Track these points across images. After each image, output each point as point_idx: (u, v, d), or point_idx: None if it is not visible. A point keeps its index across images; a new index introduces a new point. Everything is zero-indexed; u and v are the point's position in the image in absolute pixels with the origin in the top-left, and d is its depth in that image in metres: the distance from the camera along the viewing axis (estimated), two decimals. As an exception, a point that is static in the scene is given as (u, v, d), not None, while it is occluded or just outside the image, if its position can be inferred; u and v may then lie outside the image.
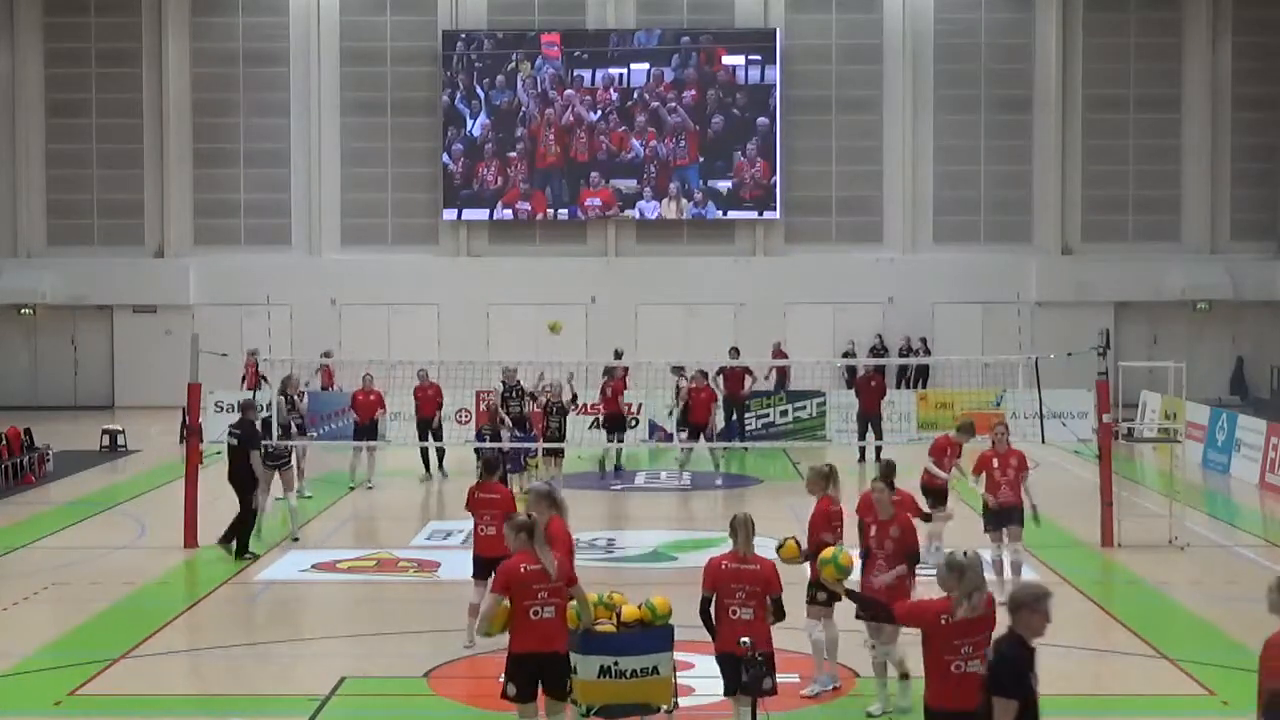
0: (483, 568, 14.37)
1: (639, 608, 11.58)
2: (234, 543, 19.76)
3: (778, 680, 11.31)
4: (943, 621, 9.01)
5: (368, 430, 27.00)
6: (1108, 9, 41.18)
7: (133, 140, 41.55)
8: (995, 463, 17.47)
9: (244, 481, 20.09)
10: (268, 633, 16.15)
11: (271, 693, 13.77)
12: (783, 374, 35.35)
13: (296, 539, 20.86)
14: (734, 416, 31.37)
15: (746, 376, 31.56)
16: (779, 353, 36.98)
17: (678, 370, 29.19)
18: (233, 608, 17.41)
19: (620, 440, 28.68)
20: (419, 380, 27.73)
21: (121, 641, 15.36)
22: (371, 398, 27.12)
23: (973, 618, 8.99)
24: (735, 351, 33.14)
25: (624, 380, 29.14)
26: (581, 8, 41.45)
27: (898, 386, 37.09)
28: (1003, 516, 17.48)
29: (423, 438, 27.63)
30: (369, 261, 41.04)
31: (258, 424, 20.48)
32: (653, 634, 11.48)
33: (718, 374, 31.26)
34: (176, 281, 41.13)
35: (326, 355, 32.53)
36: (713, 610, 11.26)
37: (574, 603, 11.06)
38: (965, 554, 9.22)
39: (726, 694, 11.37)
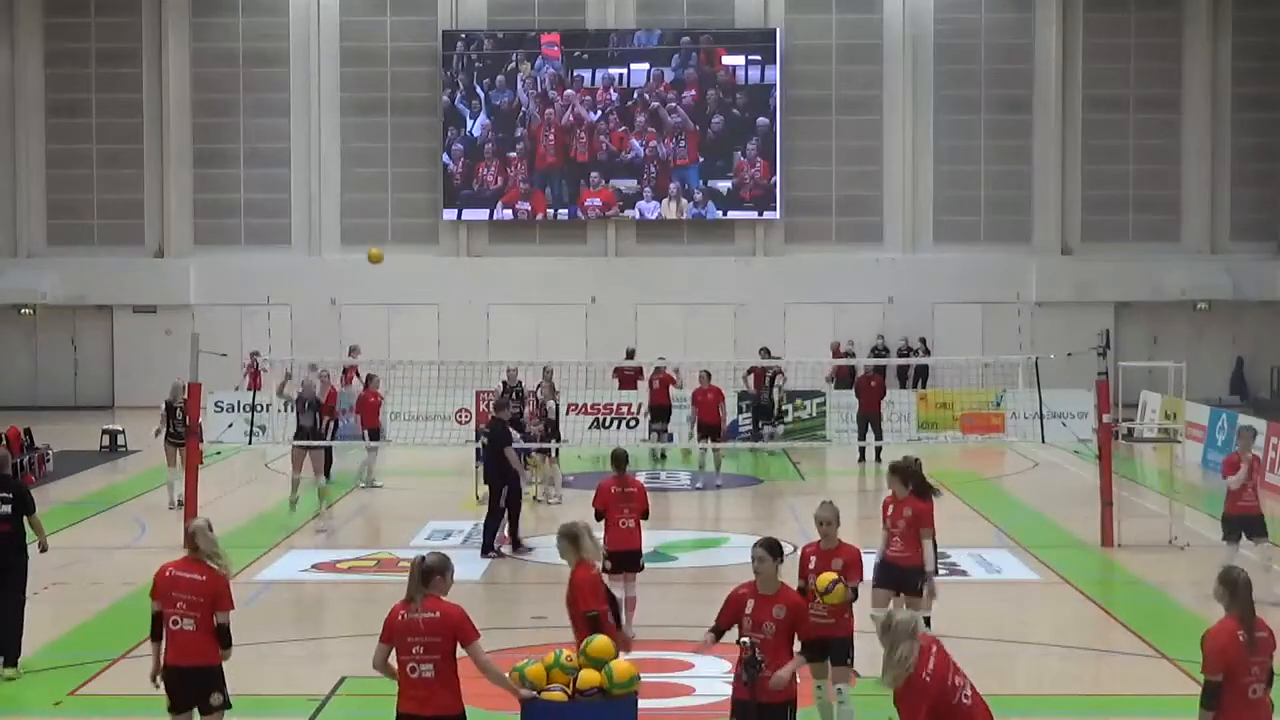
0: (618, 562, 15.19)
1: (599, 671, 10.36)
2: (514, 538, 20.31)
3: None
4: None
5: (373, 431, 27.04)
6: (1108, 9, 41.18)
7: (133, 140, 41.56)
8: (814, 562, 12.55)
9: (497, 479, 20.16)
10: (268, 633, 16.13)
11: (271, 693, 13.76)
12: (843, 373, 35.18)
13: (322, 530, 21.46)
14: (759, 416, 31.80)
15: (779, 376, 31.68)
16: (840, 352, 37.39)
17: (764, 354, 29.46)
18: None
19: (665, 431, 29.76)
20: (366, 385, 27.75)
21: (121, 641, 15.35)
22: (372, 400, 27.11)
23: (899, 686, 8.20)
24: (766, 352, 33.22)
25: (672, 375, 30.17)
26: (581, 8, 41.46)
27: (901, 387, 37.14)
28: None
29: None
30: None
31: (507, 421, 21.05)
32: (614, 707, 10.04)
33: (747, 374, 31.45)
34: (176, 281, 41.13)
35: (353, 353, 32.56)
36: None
37: (526, 662, 10.07)
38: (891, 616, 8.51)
39: None
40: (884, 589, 13.95)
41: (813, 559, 12.21)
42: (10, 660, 14.18)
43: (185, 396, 22.07)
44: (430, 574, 9.49)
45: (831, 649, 12.20)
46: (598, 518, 15.60)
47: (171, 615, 10.17)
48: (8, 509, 14.30)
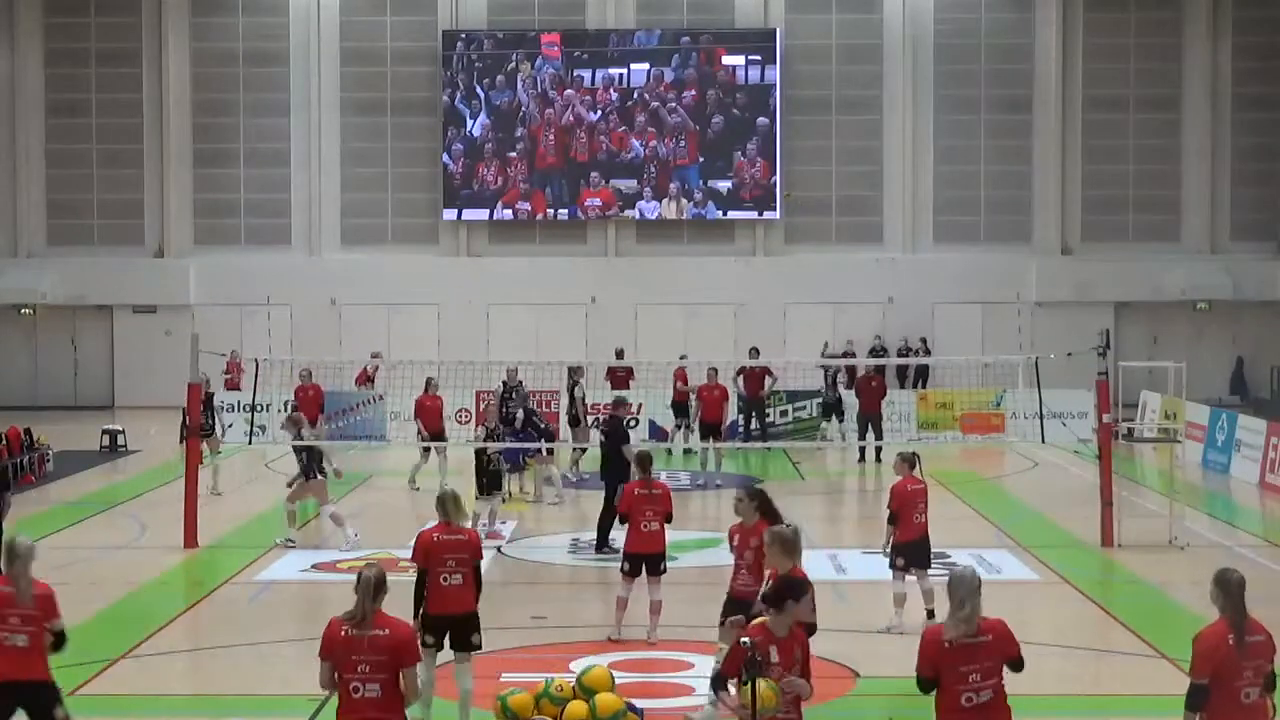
0: (637, 565, 15.15)
1: (588, 703, 10.49)
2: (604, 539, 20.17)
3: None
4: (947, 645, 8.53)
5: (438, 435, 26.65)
6: (1108, 9, 41.17)
7: (133, 140, 41.55)
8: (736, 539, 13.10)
9: (612, 476, 20.20)
10: (268, 633, 16.13)
11: (271, 693, 13.76)
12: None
13: (291, 542, 20.77)
14: (754, 417, 31.76)
15: (766, 377, 31.70)
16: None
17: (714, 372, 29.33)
18: (233, 608, 17.40)
19: (687, 425, 29.94)
20: (300, 380, 27.63)
21: (121, 641, 15.36)
22: (430, 403, 26.61)
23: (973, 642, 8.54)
24: (755, 351, 33.24)
25: (684, 372, 30.52)
26: (581, 8, 41.45)
27: (901, 387, 37.14)
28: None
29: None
30: (369, 261, 41.03)
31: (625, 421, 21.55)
32: None
33: (737, 374, 31.42)
34: (176, 281, 41.13)
35: (376, 355, 32.54)
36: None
37: (511, 692, 10.10)
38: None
39: None
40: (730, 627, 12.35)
41: (735, 536, 12.76)
42: None
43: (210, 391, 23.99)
44: (381, 587, 8.99)
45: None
46: (622, 521, 15.61)
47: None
48: None
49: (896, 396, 33.31)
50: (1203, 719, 8.61)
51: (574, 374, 27.72)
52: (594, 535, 20.56)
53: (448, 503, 12.13)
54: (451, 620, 12.01)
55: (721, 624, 12.62)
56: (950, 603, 8.62)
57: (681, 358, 32.02)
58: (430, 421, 26.52)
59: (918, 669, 8.62)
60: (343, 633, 8.89)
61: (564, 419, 28.45)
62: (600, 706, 10.36)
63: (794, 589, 9.04)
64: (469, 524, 11.57)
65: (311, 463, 20.69)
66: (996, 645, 8.59)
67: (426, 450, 26.59)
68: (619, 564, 15.65)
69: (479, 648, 12.11)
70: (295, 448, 21.22)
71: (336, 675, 8.90)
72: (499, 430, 23.01)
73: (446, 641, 12.02)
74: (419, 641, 10.36)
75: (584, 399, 27.52)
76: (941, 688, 8.51)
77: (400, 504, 25.37)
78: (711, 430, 27.65)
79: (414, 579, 12.25)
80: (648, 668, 14.36)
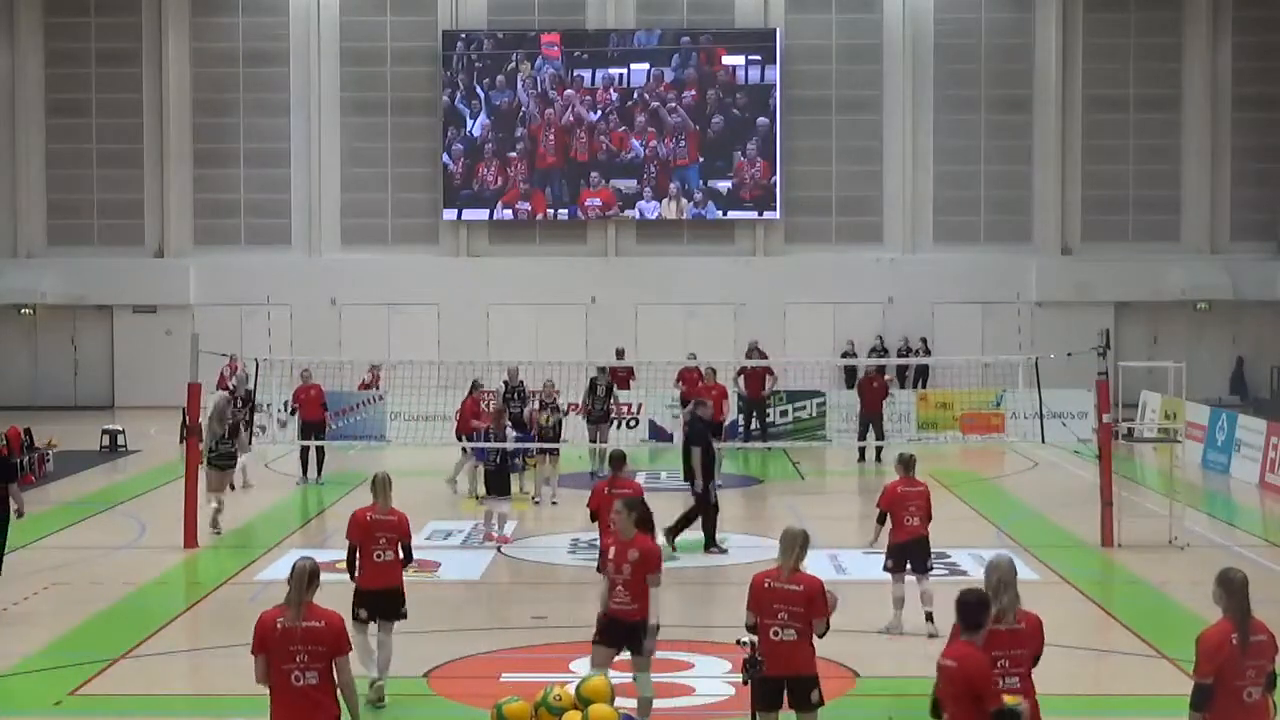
0: None
1: (581, 714, 10.52)
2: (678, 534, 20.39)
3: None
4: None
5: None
6: (1108, 9, 41.17)
7: (133, 140, 41.56)
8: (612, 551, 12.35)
9: (694, 473, 20.54)
10: (268, 633, 16.13)
11: (271, 693, 13.75)
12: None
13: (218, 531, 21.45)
14: (754, 417, 31.81)
15: (767, 377, 31.71)
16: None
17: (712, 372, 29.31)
18: (233, 608, 17.38)
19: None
20: (301, 381, 27.46)
21: (121, 641, 15.37)
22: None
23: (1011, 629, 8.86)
24: (755, 347, 33.23)
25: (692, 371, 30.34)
26: (581, 8, 41.45)
27: (901, 387, 37.11)
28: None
29: (305, 438, 27.03)
30: (369, 261, 41.03)
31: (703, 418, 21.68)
32: None
33: (738, 374, 31.43)
34: (176, 281, 41.13)
35: (374, 368, 32.52)
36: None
37: (509, 699, 10.33)
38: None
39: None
40: (604, 647, 11.94)
41: (611, 549, 12.00)
42: None
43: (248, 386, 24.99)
44: (314, 579, 9.43)
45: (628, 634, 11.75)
46: (592, 519, 15.57)
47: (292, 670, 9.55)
48: None
49: (896, 396, 33.29)
50: (1205, 718, 8.64)
51: (602, 372, 27.92)
52: (593, 536, 20.53)
53: (378, 485, 13.59)
54: (381, 593, 13.21)
55: (595, 643, 11.87)
56: (987, 590, 8.97)
57: (690, 357, 32.01)
58: (467, 425, 26.60)
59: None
60: (277, 625, 9.23)
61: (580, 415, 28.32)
62: (594, 719, 10.33)
63: None
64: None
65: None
66: (1028, 636, 9.05)
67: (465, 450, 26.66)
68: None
69: (405, 618, 13.43)
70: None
71: (269, 669, 9.19)
72: (506, 429, 23.16)
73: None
74: (352, 615, 12.31)
75: (608, 394, 27.62)
76: None
77: (400, 504, 25.27)
78: (712, 430, 27.64)
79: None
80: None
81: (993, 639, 8.74)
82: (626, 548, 11.73)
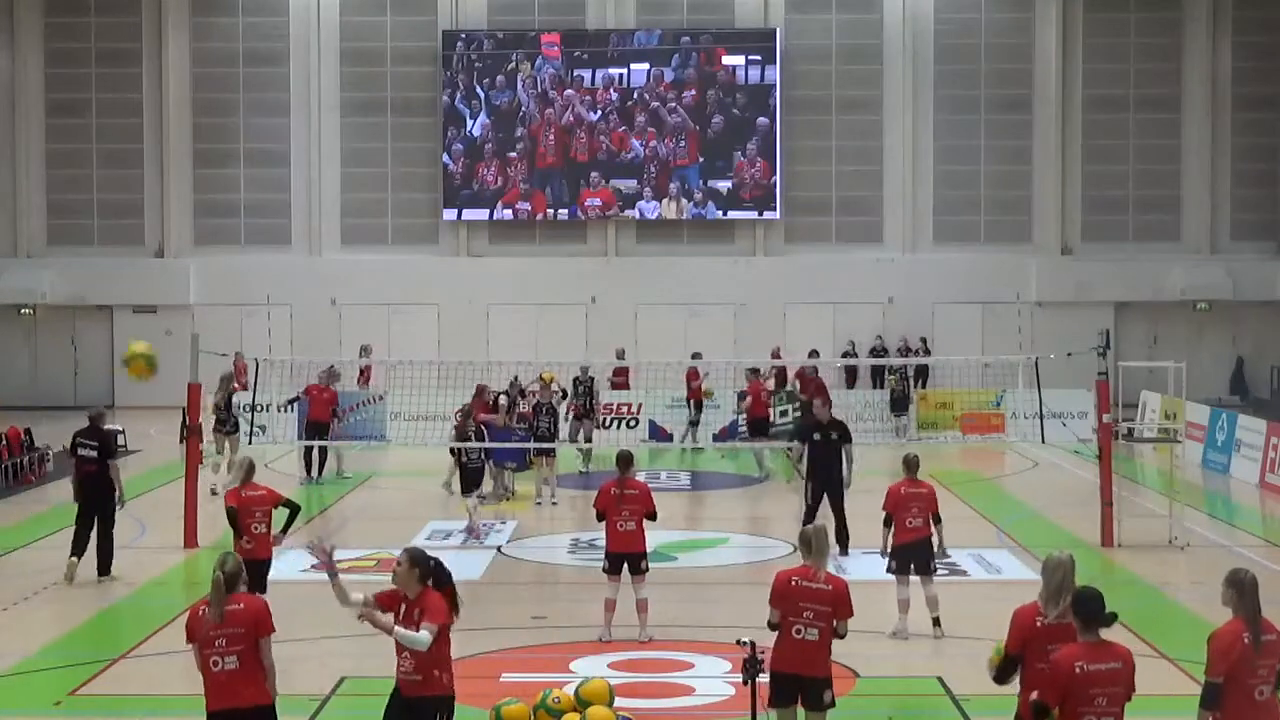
0: (617, 564, 15.20)
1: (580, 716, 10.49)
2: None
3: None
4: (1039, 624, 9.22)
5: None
6: (1108, 9, 41.17)
7: (133, 140, 41.56)
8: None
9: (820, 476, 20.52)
10: (268, 633, 16.13)
11: (271, 693, 13.75)
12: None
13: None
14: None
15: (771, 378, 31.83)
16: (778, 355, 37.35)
17: (753, 372, 29.12)
18: (233, 608, 17.39)
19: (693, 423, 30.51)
20: (320, 380, 27.34)
21: (121, 641, 15.37)
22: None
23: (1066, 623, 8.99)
24: (777, 354, 33.51)
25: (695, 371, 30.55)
26: (581, 8, 41.45)
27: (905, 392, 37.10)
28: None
29: (310, 437, 27.00)
30: (369, 261, 41.04)
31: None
32: None
33: (795, 377, 31.66)
34: (176, 281, 41.14)
35: (364, 353, 32.42)
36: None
37: (508, 701, 10.38)
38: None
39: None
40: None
41: (401, 607, 10.05)
42: (104, 570, 18.34)
43: (234, 387, 25.69)
44: (235, 580, 9.46)
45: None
46: (599, 519, 15.58)
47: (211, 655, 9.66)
48: (94, 453, 18.28)
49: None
50: (1216, 718, 8.69)
51: (584, 371, 28.06)
52: (593, 536, 20.56)
53: (244, 468, 15.63)
54: (257, 563, 14.52)
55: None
56: (1047, 587, 9.23)
57: (694, 356, 32.00)
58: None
59: (1006, 645, 9.20)
60: (200, 612, 9.40)
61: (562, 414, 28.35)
62: None
63: None
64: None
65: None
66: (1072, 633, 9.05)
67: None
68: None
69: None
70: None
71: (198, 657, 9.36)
72: (513, 428, 23.37)
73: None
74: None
75: (589, 393, 27.67)
76: (1025, 663, 9.09)
77: (400, 504, 25.34)
78: (760, 428, 27.65)
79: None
80: (647, 668, 14.35)
81: (1048, 633, 9.12)
82: (413, 607, 9.93)
